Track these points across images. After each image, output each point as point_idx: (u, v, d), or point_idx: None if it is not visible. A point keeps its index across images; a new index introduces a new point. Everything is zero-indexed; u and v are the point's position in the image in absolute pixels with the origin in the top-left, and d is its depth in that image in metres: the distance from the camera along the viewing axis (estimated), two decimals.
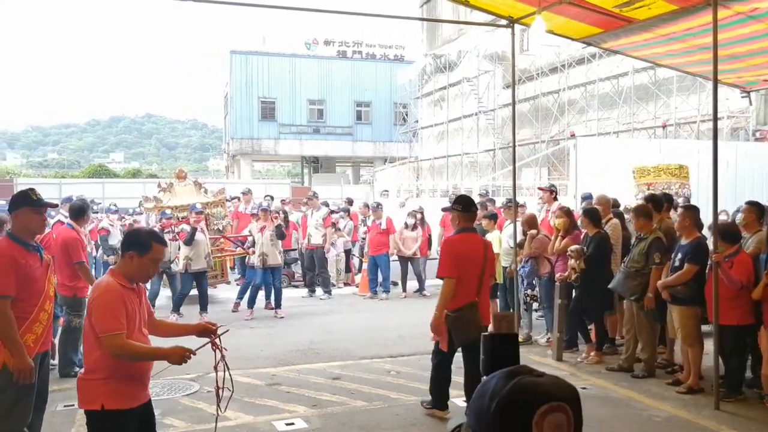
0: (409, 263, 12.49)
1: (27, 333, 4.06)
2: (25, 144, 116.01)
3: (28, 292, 4.08)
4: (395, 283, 13.13)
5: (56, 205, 7.55)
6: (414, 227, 12.39)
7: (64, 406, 5.91)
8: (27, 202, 4.20)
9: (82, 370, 3.40)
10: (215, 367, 3.49)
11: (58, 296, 6.71)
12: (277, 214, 11.26)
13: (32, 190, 4.32)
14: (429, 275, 12.77)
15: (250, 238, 11.04)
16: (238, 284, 13.16)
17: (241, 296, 10.84)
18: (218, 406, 3.55)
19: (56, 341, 6.63)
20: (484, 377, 1.49)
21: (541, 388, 1.17)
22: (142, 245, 3.43)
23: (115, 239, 11.76)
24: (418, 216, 12.56)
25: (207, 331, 3.58)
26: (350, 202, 15.67)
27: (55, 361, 6.65)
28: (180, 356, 3.32)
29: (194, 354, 3.36)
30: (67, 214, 10.37)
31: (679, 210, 6.69)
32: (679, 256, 6.39)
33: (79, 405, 3.43)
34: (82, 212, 7.37)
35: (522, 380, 1.19)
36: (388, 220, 12.36)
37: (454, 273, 5.42)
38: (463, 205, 5.69)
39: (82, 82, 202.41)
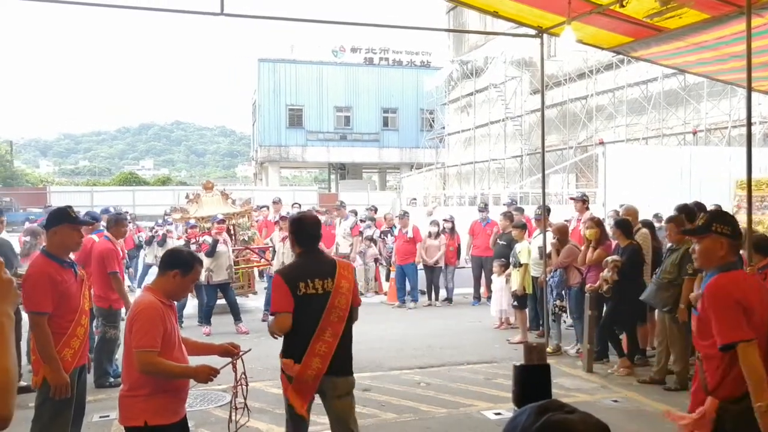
0: (432, 272, 12.52)
1: (65, 348, 4.16)
2: (57, 152, 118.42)
3: (65, 308, 4.18)
4: (423, 292, 13.13)
5: (92, 223, 7.66)
6: (437, 235, 12.36)
7: (100, 417, 6.02)
8: (66, 220, 4.30)
9: (124, 387, 3.46)
10: (234, 388, 3.58)
11: (94, 308, 6.84)
12: None
13: (70, 207, 4.43)
14: (457, 284, 12.80)
15: (272, 249, 11.11)
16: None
17: (267, 306, 10.91)
18: (228, 425, 3.71)
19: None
20: (515, 410, 1.49)
21: (571, 426, 1.18)
22: (186, 265, 3.53)
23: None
24: (447, 225, 12.52)
25: (229, 352, 3.70)
26: (374, 210, 15.71)
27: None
28: (207, 375, 3.44)
29: (219, 373, 3.49)
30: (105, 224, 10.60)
31: None
32: None
33: (120, 421, 3.50)
34: (118, 224, 7.50)
35: (552, 417, 1.18)
36: (415, 229, 12.33)
37: (747, 332, 3.06)
38: (732, 229, 3.36)
39: (112, 90, 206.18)
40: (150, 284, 3.69)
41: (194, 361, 3.68)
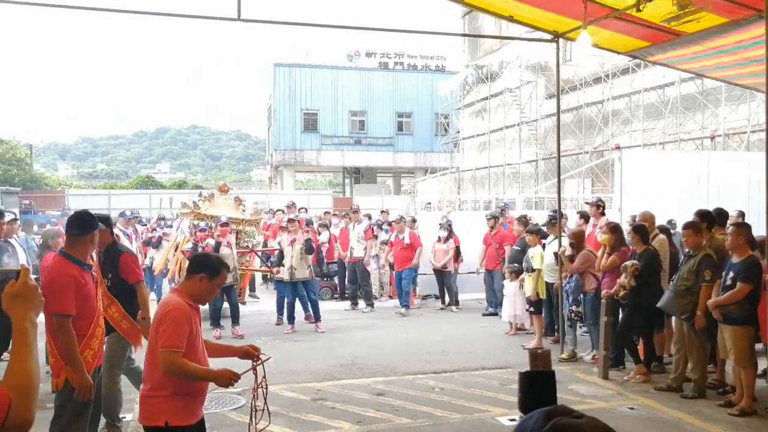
0: (442, 276, 12.48)
1: (86, 349, 4.21)
2: (75, 155, 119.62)
3: (87, 309, 4.24)
4: (437, 297, 13.09)
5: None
6: (446, 240, 12.29)
7: None
8: (97, 225, 4.49)
9: (146, 387, 3.51)
10: (254, 392, 3.65)
11: None
12: (308, 228, 11.29)
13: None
14: (468, 288, 12.76)
15: (277, 252, 11.10)
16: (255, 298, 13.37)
17: (280, 311, 10.91)
18: (249, 428, 3.75)
19: None
20: (522, 416, 1.50)
21: (579, 430, 1.18)
22: (213, 269, 3.58)
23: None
24: (443, 233, 12.36)
25: (249, 354, 3.72)
26: (387, 213, 15.63)
27: None
28: (228, 379, 3.47)
29: (240, 378, 3.52)
30: (122, 228, 10.69)
31: (731, 228, 6.53)
32: (731, 274, 6.23)
33: (140, 421, 3.55)
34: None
35: (560, 421, 1.19)
36: (412, 234, 12.19)
37: None
38: None
39: (130, 94, 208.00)
40: (177, 286, 3.74)
41: (213, 363, 3.72)
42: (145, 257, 13.06)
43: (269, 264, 11.81)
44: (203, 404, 3.65)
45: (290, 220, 11.12)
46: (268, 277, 11.55)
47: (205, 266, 3.59)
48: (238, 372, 3.52)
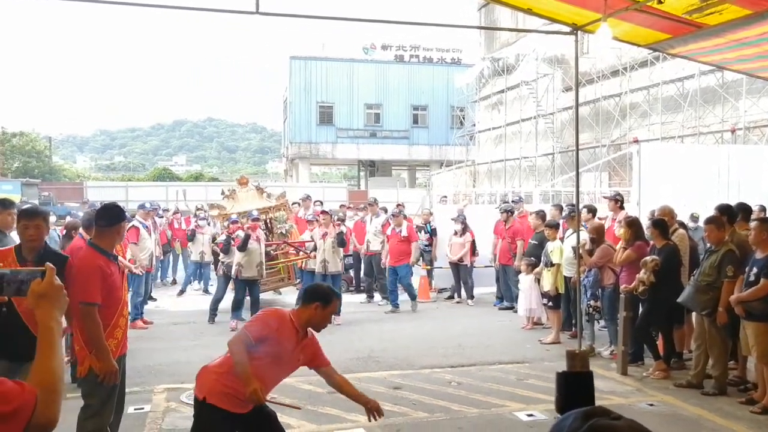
0: (458, 269, 12.45)
1: (109, 338, 4.28)
2: (93, 147, 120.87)
3: (112, 299, 4.31)
4: (449, 290, 13.08)
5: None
6: (462, 233, 12.22)
7: (134, 409, 6.11)
8: (124, 217, 4.61)
9: (212, 362, 3.83)
10: None
11: None
12: (339, 222, 11.34)
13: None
14: (483, 283, 12.72)
15: (310, 244, 11.16)
16: (297, 288, 13.38)
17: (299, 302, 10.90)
18: None
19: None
20: (558, 416, 1.49)
21: None
22: (326, 299, 3.87)
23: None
24: (458, 227, 12.29)
25: (368, 412, 3.97)
26: (402, 206, 15.50)
27: None
28: (251, 398, 3.56)
29: (263, 403, 3.71)
30: (142, 220, 10.79)
31: (754, 222, 6.44)
32: (755, 270, 6.15)
33: (195, 390, 3.81)
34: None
35: (598, 422, 1.18)
36: (410, 228, 12.01)
37: None
38: None
39: (147, 88, 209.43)
40: (296, 308, 3.99)
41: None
42: (162, 249, 13.24)
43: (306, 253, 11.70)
44: (253, 402, 3.69)
45: (323, 212, 11.17)
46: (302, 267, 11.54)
47: (319, 296, 3.88)
48: (267, 400, 3.76)
